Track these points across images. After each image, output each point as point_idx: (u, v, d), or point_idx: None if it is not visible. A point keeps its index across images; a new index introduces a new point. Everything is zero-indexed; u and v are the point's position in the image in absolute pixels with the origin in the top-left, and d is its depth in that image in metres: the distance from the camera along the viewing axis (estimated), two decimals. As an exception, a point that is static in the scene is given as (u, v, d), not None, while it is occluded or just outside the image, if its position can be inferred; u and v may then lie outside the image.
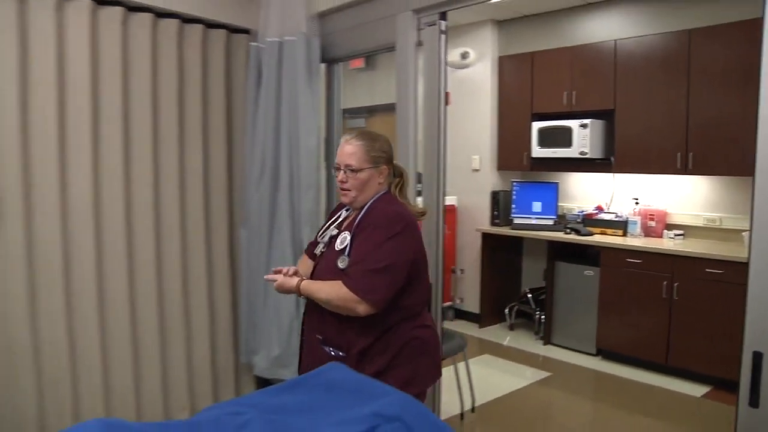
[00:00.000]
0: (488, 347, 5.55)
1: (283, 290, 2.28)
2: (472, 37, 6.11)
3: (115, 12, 3.18)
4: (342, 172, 2.27)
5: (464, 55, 6.07)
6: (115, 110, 3.20)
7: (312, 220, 3.34)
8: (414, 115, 3.00)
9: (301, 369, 2.41)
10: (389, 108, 7.00)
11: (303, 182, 3.33)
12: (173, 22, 3.40)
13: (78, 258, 3.12)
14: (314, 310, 2.27)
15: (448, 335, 3.69)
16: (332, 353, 2.22)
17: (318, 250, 2.39)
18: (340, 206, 2.51)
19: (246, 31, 3.71)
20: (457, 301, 6.36)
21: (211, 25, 3.59)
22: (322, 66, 3.53)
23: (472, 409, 4.07)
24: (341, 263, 2.18)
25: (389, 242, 2.14)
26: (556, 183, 5.87)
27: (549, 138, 5.59)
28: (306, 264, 2.46)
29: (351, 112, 7.15)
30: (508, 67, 6.02)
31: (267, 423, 1.63)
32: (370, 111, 7.24)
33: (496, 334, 5.96)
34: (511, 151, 6.03)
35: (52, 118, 2.99)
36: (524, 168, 5.95)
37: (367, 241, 2.16)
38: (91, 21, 3.09)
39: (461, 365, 4.03)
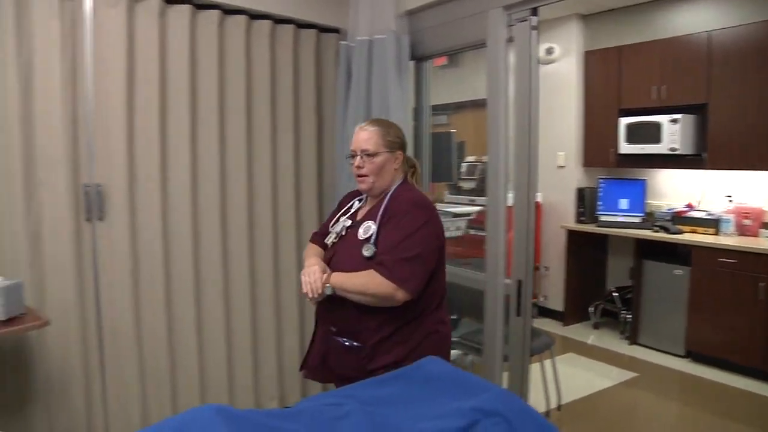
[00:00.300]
0: (572, 345, 5.48)
1: (313, 289, 2.15)
2: (558, 32, 6.02)
3: (213, 15, 3.30)
4: (358, 157, 2.29)
5: (549, 51, 5.99)
6: (211, 109, 3.34)
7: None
8: (505, 112, 2.99)
9: (309, 360, 2.41)
10: (472, 105, 7.01)
11: (393, 180, 3.38)
12: (266, 23, 3.51)
13: (177, 251, 3.27)
14: (329, 301, 2.21)
15: (535, 333, 3.66)
16: (346, 344, 2.23)
17: (330, 240, 2.39)
18: (351, 196, 2.53)
19: (335, 31, 3.78)
20: (541, 299, 6.29)
21: (301, 25, 3.67)
22: (411, 63, 3.56)
23: (558, 407, 4.03)
24: (366, 251, 2.17)
25: (420, 230, 2.16)
26: (644, 180, 5.72)
27: (637, 134, 5.45)
28: (316, 249, 2.46)
29: (434, 109, 7.14)
30: (594, 61, 5.90)
31: (366, 414, 1.66)
32: (453, 108, 7.22)
33: (580, 332, 5.87)
34: (597, 148, 5.92)
35: (155, 116, 3.14)
36: (611, 164, 5.83)
37: (398, 230, 2.16)
38: (191, 24, 3.23)
39: (548, 363, 3.99)
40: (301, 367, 2.47)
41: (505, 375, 3.05)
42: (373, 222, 2.24)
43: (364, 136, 2.29)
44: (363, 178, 2.30)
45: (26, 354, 2.89)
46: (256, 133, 3.51)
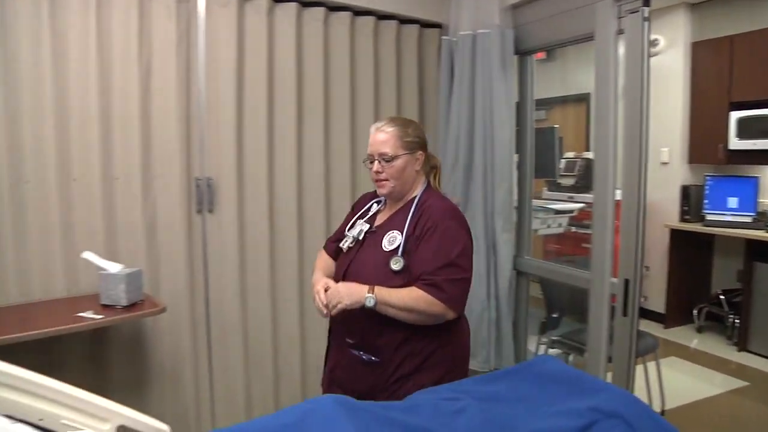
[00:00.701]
0: (674, 349, 5.27)
1: (350, 300, 2.00)
2: (663, 23, 5.78)
3: (318, 12, 3.36)
4: (376, 162, 2.14)
5: (653, 43, 5.77)
6: (316, 105, 3.40)
7: (505, 213, 3.35)
8: (614, 107, 2.90)
9: (326, 373, 2.32)
10: (570, 100, 6.85)
11: (497, 174, 3.34)
12: (369, 20, 3.54)
13: (282, 242, 3.37)
14: (347, 312, 2.04)
15: (639, 334, 3.54)
16: (364, 357, 2.12)
17: (346, 245, 2.25)
18: (368, 198, 2.40)
19: (438, 26, 3.77)
20: (641, 300, 6.07)
21: (404, 20, 3.68)
22: (515, 58, 3.51)
23: (662, 413, 3.89)
24: (395, 265, 2.04)
25: (464, 247, 2.06)
26: (757, 177, 5.42)
27: (750, 128, 5.17)
28: (326, 262, 2.37)
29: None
30: (702, 53, 5.64)
31: (482, 411, 1.66)
32: (552, 103, 7.10)
33: (683, 335, 5.64)
34: (704, 143, 5.65)
35: (263, 112, 3.23)
36: (719, 161, 5.55)
37: (441, 247, 2.02)
38: (297, 21, 3.29)
39: (650, 365, 3.86)
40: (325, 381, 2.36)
41: (608, 376, 2.97)
42: (398, 232, 2.11)
43: (381, 138, 2.13)
44: (382, 182, 2.16)
45: (142, 339, 3.04)
46: (359, 129, 3.55)
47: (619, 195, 2.87)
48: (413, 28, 3.72)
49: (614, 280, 2.91)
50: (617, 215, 2.89)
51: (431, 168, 2.29)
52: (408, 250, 2.06)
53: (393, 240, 2.10)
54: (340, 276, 2.19)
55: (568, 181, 5.96)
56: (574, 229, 4.37)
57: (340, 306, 2.00)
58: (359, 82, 3.54)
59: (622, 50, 2.89)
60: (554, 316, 3.91)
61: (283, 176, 3.33)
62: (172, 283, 3.07)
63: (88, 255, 2.67)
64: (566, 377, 1.83)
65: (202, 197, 3.12)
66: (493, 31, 3.33)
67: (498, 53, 3.31)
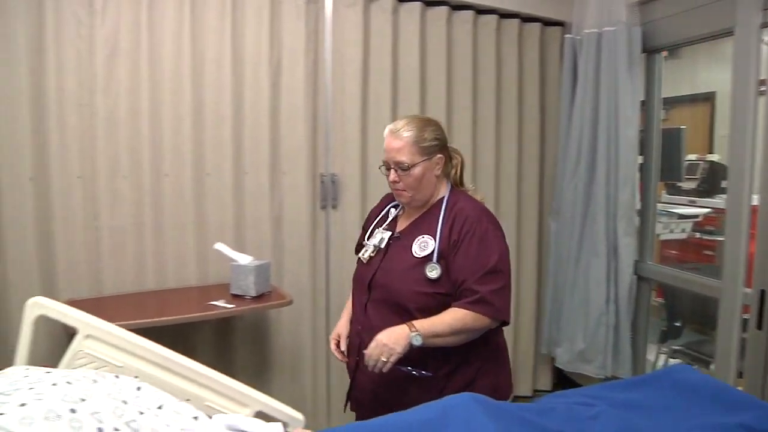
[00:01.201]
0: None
1: (400, 347, 1.79)
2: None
3: (441, 11, 3.37)
4: (392, 171, 1.97)
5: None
6: (439, 103, 3.42)
7: (627, 216, 3.24)
8: (754, 106, 2.75)
9: (357, 397, 2.12)
10: (693, 99, 6.53)
11: (621, 174, 3.24)
12: (492, 18, 3.52)
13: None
14: (380, 326, 1.88)
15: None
16: (414, 373, 1.90)
17: (366, 255, 2.08)
18: (385, 201, 2.24)
19: (560, 24, 3.70)
20: None
21: (526, 19, 3.64)
22: (642, 56, 3.39)
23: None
24: (432, 272, 1.90)
25: (499, 250, 1.93)
26: None
27: None
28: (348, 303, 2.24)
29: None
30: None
31: (617, 418, 1.61)
32: (672, 102, 6.78)
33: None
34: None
35: (387, 110, 3.29)
36: None
37: (481, 255, 1.90)
38: (421, 20, 3.32)
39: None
40: (349, 405, 2.19)
41: (738, 391, 2.82)
42: (430, 237, 1.95)
43: (397, 145, 1.94)
44: (400, 192, 2.00)
45: (265, 329, 3.16)
46: (480, 129, 3.54)
47: (755, 200, 2.72)
48: (535, 27, 3.66)
49: (747, 290, 2.76)
50: (753, 222, 2.75)
51: (453, 166, 2.11)
52: (444, 256, 1.92)
53: (425, 245, 1.94)
54: (364, 289, 2.04)
55: (690, 185, 5.68)
56: (698, 235, 4.17)
57: (393, 359, 1.79)
58: (481, 82, 3.53)
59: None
60: (676, 324, 3.75)
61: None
62: (295, 275, 3.18)
63: (220, 246, 2.80)
64: (709, 389, 1.74)
65: (327, 193, 3.21)
66: (619, 28, 3.24)
67: (625, 51, 3.22)
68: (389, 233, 2.06)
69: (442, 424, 1.45)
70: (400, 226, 2.08)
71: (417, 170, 1.94)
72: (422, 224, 2.00)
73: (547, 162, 3.78)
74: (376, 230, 2.12)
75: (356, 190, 3.23)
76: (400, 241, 2.02)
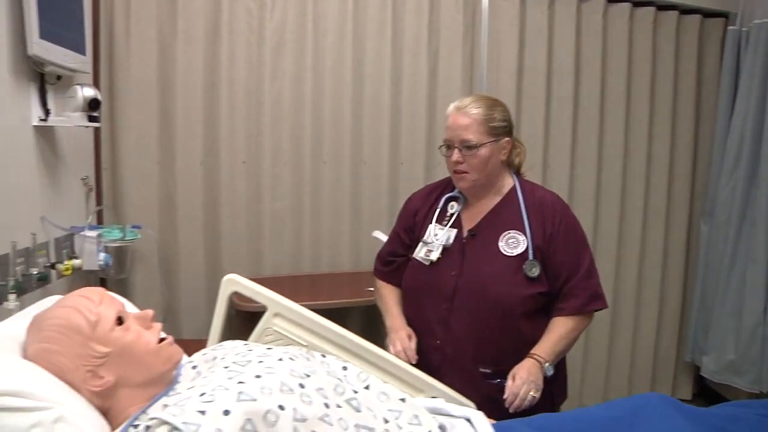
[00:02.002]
0: None
1: (539, 381, 1.68)
2: None
3: (597, 4, 3.29)
4: (456, 150, 1.80)
5: None
6: (593, 97, 3.34)
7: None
8: None
9: None
10: None
11: (787, 180, 3.07)
12: (649, 11, 3.40)
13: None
14: (470, 338, 1.78)
15: None
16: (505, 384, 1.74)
17: (433, 256, 1.86)
18: (422, 198, 2.01)
19: (722, 15, 3.53)
20: None
21: (685, 10, 3.49)
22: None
23: None
24: (532, 271, 1.76)
25: (585, 237, 1.87)
26: None
27: None
28: (396, 295, 2.01)
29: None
30: None
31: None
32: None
33: None
34: None
35: (541, 105, 3.27)
36: None
37: (578, 248, 1.83)
38: (577, 13, 3.26)
39: None
40: None
41: None
42: (518, 233, 1.80)
43: (464, 122, 1.78)
44: (462, 175, 1.82)
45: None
46: (634, 124, 3.43)
47: None
48: (694, 19, 3.50)
49: None
50: None
51: (516, 155, 1.96)
52: (540, 251, 1.79)
53: (515, 243, 1.79)
54: (442, 298, 1.84)
55: None
56: None
57: (536, 395, 1.66)
58: (635, 76, 3.41)
59: None
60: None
61: (561, 168, 3.32)
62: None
63: (377, 234, 2.86)
64: None
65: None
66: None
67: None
68: (455, 231, 1.87)
69: (633, 422, 1.44)
70: (469, 221, 1.88)
71: (484, 151, 1.78)
72: (501, 218, 1.84)
73: (699, 162, 3.61)
74: (436, 227, 1.90)
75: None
76: (479, 240, 1.84)
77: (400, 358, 1.72)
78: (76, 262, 2.24)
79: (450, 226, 1.88)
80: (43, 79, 2.15)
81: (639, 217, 3.51)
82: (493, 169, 1.83)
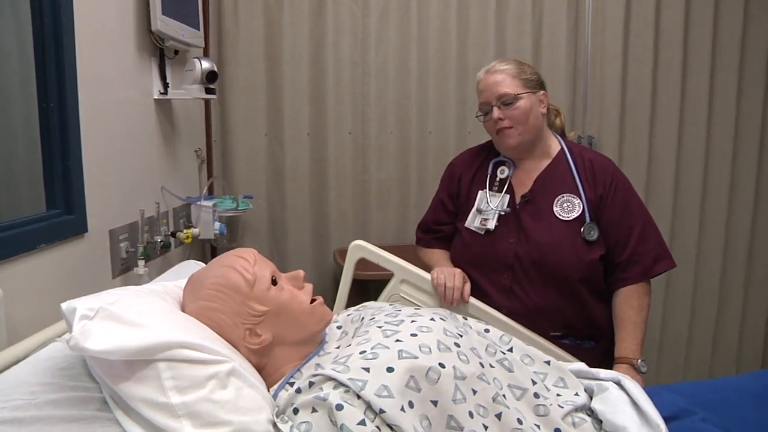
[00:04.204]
0: None
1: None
2: None
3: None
4: (495, 108, 1.76)
5: None
6: (702, 61, 3.15)
7: None
8: None
9: None
10: None
11: None
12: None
13: (658, 203, 3.19)
14: (535, 305, 1.76)
15: None
16: (586, 345, 1.80)
17: (490, 225, 1.81)
18: (467, 162, 1.96)
19: None
20: None
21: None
22: None
23: None
24: (590, 234, 1.73)
25: (639, 199, 1.82)
26: None
27: None
28: (443, 255, 1.96)
29: None
30: None
31: None
32: None
33: None
34: None
35: (648, 68, 3.10)
36: None
37: (632, 208, 1.77)
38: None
39: None
40: None
41: None
42: (572, 195, 1.77)
43: (496, 79, 1.77)
44: (507, 131, 1.77)
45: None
46: (747, 90, 3.23)
47: None
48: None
49: None
50: None
51: (555, 117, 1.94)
52: (595, 213, 1.75)
53: (570, 206, 1.76)
54: (502, 267, 1.81)
55: None
56: None
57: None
58: (749, 36, 3.18)
59: None
60: None
61: (665, 136, 3.16)
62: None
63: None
64: None
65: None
66: None
67: None
68: (508, 196, 1.82)
69: None
70: (520, 186, 1.84)
71: (523, 102, 1.75)
72: (552, 180, 1.80)
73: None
74: (486, 194, 1.86)
75: (613, 152, 3.09)
76: (532, 205, 1.80)
77: (446, 296, 1.72)
78: (194, 230, 2.32)
79: (503, 192, 1.83)
80: (162, 54, 2.23)
81: (749, 202, 3.30)
82: (537, 123, 1.79)
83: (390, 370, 1.04)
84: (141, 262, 1.94)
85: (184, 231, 2.27)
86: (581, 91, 3.07)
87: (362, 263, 1.85)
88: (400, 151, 2.98)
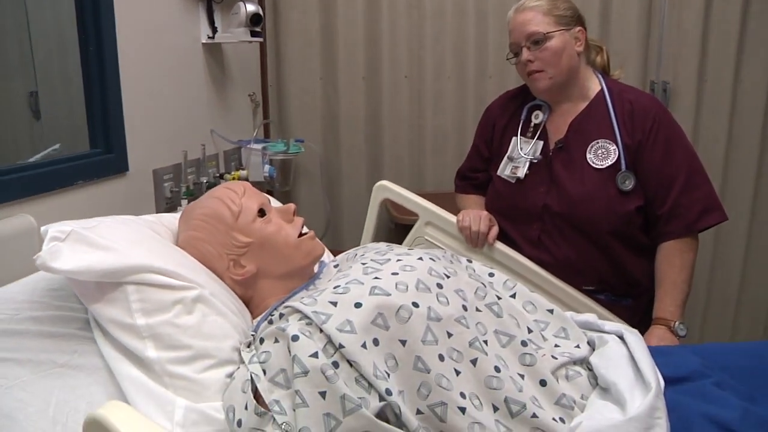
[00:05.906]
0: None
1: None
2: None
3: None
4: (524, 49, 1.62)
5: None
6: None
7: None
8: None
9: None
10: None
11: None
12: None
13: (737, 157, 2.98)
14: (566, 258, 1.67)
15: None
16: (614, 301, 1.69)
17: (520, 173, 1.72)
18: (501, 107, 1.86)
19: None
20: None
21: None
22: None
23: None
24: (625, 184, 1.60)
25: (688, 141, 1.68)
26: None
27: None
28: (477, 202, 1.89)
29: None
30: None
31: None
32: None
33: None
34: None
35: (736, 12, 2.84)
36: None
37: (677, 156, 1.61)
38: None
39: None
40: None
41: None
42: (607, 141, 1.64)
43: (526, 17, 1.63)
44: (538, 75, 1.64)
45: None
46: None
47: None
48: None
49: None
50: None
51: (596, 54, 1.77)
52: (632, 160, 1.62)
53: (605, 153, 1.64)
54: (531, 217, 1.73)
55: None
56: None
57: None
58: None
59: None
60: None
61: (749, 82, 2.91)
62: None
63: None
64: None
65: (657, 102, 2.93)
66: None
67: None
68: (541, 143, 1.72)
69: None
70: (555, 132, 1.73)
71: (554, 42, 1.61)
72: (588, 125, 1.68)
73: None
74: (515, 140, 1.77)
75: (690, 100, 2.89)
76: (565, 152, 1.69)
77: (471, 239, 1.69)
78: (242, 173, 2.36)
79: (536, 138, 1.73)
80: (210, -1, 2.25)
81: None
82: (571, 63, 1.65)
83: (358, 305, 1.02)
84: (184, 202, 2.00)
85: (232, 173, 2.33)
86: (656, 35, 2.87)
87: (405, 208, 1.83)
88: (457, 96, 2.90)
